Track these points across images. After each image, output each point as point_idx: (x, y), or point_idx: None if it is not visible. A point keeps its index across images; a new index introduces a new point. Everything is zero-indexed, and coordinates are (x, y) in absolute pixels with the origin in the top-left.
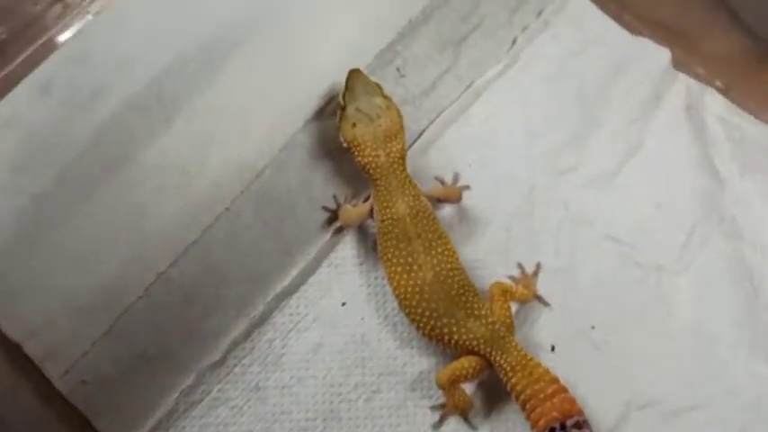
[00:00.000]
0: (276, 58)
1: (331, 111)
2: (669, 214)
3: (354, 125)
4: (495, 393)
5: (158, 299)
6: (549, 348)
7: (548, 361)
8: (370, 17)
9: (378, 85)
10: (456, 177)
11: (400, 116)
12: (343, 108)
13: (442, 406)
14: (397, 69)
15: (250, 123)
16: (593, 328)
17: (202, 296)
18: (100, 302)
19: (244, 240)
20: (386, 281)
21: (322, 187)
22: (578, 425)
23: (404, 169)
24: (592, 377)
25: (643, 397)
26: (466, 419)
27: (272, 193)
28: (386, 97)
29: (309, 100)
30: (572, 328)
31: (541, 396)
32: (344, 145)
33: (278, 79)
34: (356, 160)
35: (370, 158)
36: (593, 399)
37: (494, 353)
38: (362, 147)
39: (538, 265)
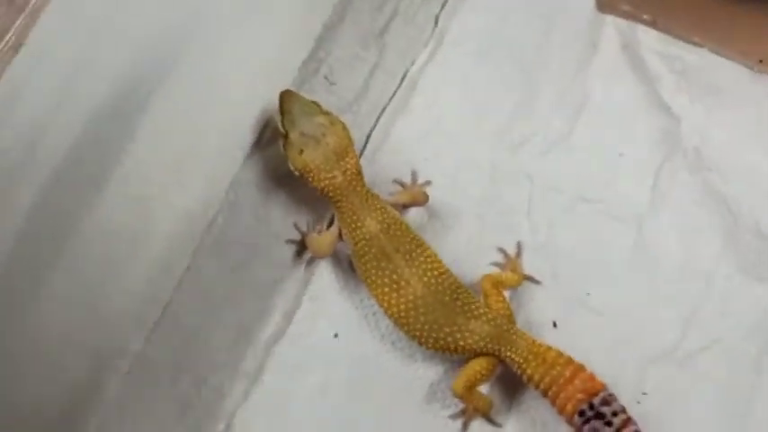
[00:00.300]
0: (197, 97)
1: (268, 139)
2: (632, 161)
3: (302, 151)
4: (510, 385)
5: (140, 384)
6: (552, 325)
7: (552, 339)
8: (281, 31)
9: (314, 103)
10: (415, 176)
11: (346, 129)
12: (286, 135)
13: (463, 412)
14: (326, 78)
15: (187, 172)
16: (588, 294)
17: (188, 366)
18: (69, 406)
19: (215, 296)
20: (373, 301)
21: (281, 220)
22: (606, 401)
23: (363, 184)
24: (600, 344)
25: (654, 350)
26: (489, 419)
27: (230, 238)
28: (326, 113)
29: (243, 133)
30: (568, 300)
31: (561, 381)
32: (296, 173)
33: (204, 118)
34: (312, 186)
35: (327, 181)
36: (607, 366)
37: (502, 348)
38: (316, 171)
39: (518, 245)
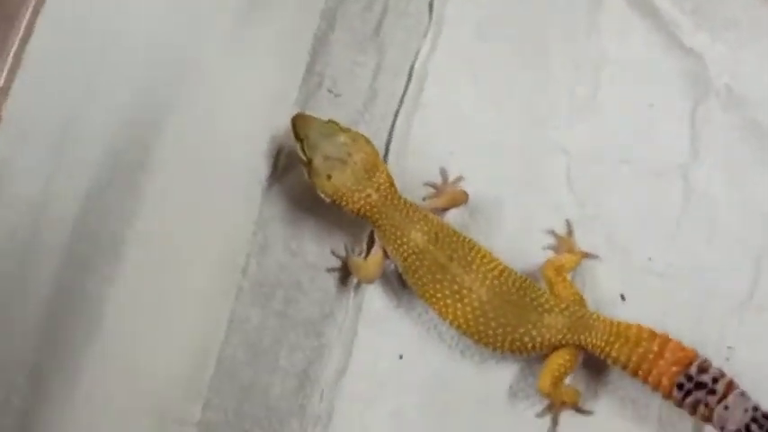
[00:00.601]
0: (200, 143)
1: (283, 167)
2: (664, 111)
3: (330, 176)
4: (591, 367)
5: None
6: (620, 299)
7: (623, 313)
8: (273, 53)
9: (332, 122)
10: (445, 174)
11: (370, 142)
12: (309, 162)
13: (550, 407)
14: (330, 91)
15: (207, 222)
16: (650, 259)
17: (253, 422)
18: None
19: (266, 344)
20: (432, 314)
21: (317, 250)
22: (702, 368)
23: (399, 196)
24: (672, 307)
25: (730, 301)
26: (578, 410)
27: (268, 281)
28: (346, 130)
29: (257, 168)
30: (630, 269)
31: (651, 357)
32: (327, 200)
33: (212, 162)
34: (347, 209)
35: (363, 202)
36: (686, 329)
37: (581, 336)
38: (349, 194)
39: (568, 223)
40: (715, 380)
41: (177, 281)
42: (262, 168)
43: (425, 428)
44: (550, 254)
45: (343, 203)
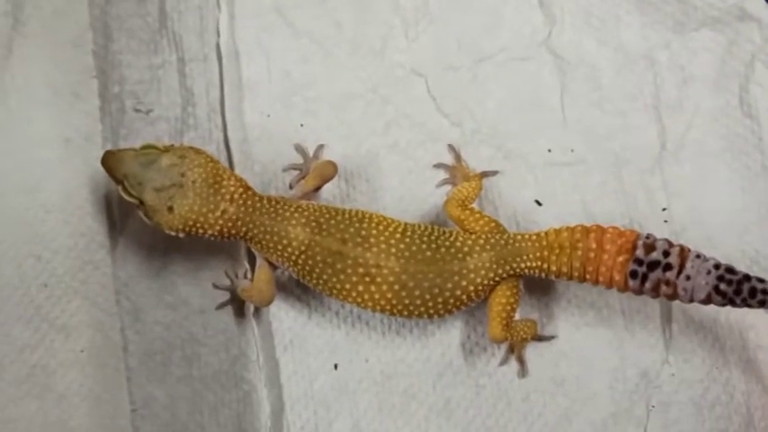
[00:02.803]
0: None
1: (120, 217)
2: None
3: (171, 208)
4: (538, 291)
5: None
6: (537, 205)
7: (546, 218)
8: (42, 93)
9: (148, 146)
10: (303, 150)
11: (200, 151)
12: (141, 202)
13: (511, 350)
14: (137, 110)
15: (51, 308)
16: (549, 151)
17: None
18: None
19: (184, 418)
20: (346, 306)
21: (196, 293)
22: (649, 246)
23: (261, 196)
24: (594, 191)
25: (648, 157)
26: (540, 339)
27: (156, 348)
28: (167, 149)
29: (89, 228)
30: (535, 170)
31: (592, 255)
32: (181, 236)
33: (31, 245)
34: (208, 236)
35: (221, 221)
36: (618, 207)
37: (512, 265)
38: (202, 219)
39: (453, 148)
40: (666, 253)
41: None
42: (96, 230)
43: (392, 428)
44: (449, 189)
45: (201, 231)
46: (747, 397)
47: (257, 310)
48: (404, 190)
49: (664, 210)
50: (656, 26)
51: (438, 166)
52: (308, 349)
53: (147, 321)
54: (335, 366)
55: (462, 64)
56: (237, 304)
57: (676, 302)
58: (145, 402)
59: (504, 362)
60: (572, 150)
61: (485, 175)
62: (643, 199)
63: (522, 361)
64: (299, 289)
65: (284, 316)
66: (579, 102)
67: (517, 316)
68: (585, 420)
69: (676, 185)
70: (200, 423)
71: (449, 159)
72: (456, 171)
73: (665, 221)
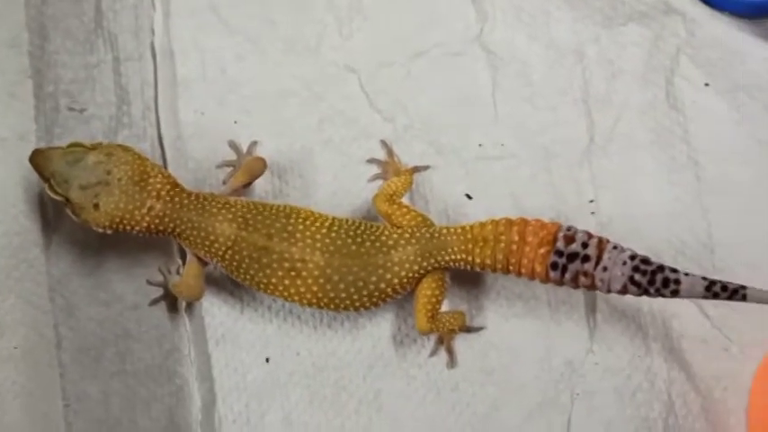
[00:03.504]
0: None
1: (53, 217)
2: None
3: (97, 205)
4: (467, 283)
5: None
6: (467, 199)
7: (476, 211)
8: None
9: (75, 145)
10: (236, 146)
11: (128, 149)
12: (67, 200)
13: (440, 341)
14: (71, 109)
15: None
16: (480, 146)
17: None
18: None
19: (117, 413)
20: (278, 301)
21: (130, 290)
22: (568, 238)
23: (189, 193)
24: (524, 184)
25: (576, 150)
26: (468, 330)
27: (89, 344)
28: (94, 147)
29: (22, 226)
30: (466, 164)
31: (515, 248)
32: (109, 232)
33: None
34: (135, 232)
35: (148, 218)
36: (547, 200)
37: (437, 257)
38: (128, 215)
39: (384, 144)
40: (585, 245)
41: None
42: (30, 229)
43: (323, 420)
44: (381, 184)
45: (128, 228)
46: (669, 385)
47: (190, 306)
48: (337, 185)
49: (591, 202)
50: (585, 21)
51: (370, 161)
52: (241, 343)
53: (81, 318)
54: (267, 360)
55: (396, 60)
56: (171, 300)
57: (601, 293)
58: (78, 398)
59: (433, 353)
60: (503, 145)
61: (416, 169)
62: (571, 192)
63: (451, 352)
64: (232, 284)
65: (217, 311)
66: (511, 97)
67: (446, 307)
68: (513, 409)
69: (604, 178)
70: (133, 418)
71: (381, 155)
72: (388, 166)
73: (593, 213)
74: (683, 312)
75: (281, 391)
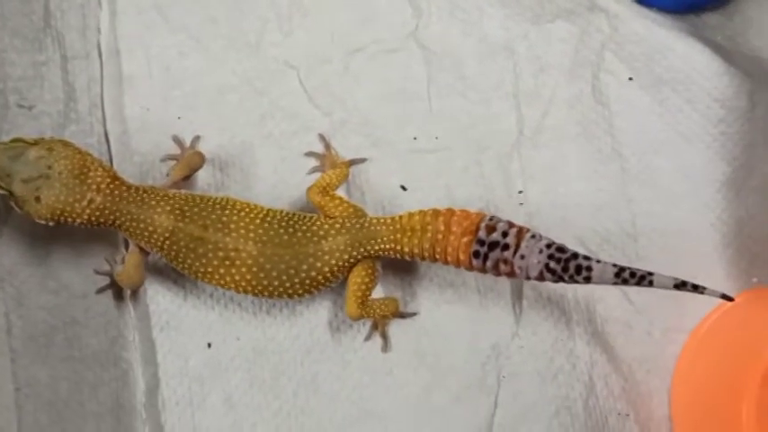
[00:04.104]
0: None
1: (2, 209)
2: None
3: (38, 198)
4: (401, 271)
5: None
6: (402, 190)
7: (411, 202)
8: None
9: (17, 140)
10: (179, 141)
11: (69, 144)
12: (11, 193)
13: (375, 327)
14: (20, 105)
15: None
16: (415, 139)
17: None
18: None
19: (65, 396)
20: (219, 289)
21: (78, 279)
22: (490, 228)
23: (129, 186)
24: (456, 175)
25: (506, 142)
26: (401, 315)
27: (39, 331)
28: (36, 142)
29: None
30: (401, 157)
31: (440, 237)
32: (51, 224)
33: None
34: (78, 224)
35: (89, 210)
36: (477, 190)
37: (369, 246)
38: (69, 208)
39: (322, 138)
40: (505, 234)
41: None
42: None
43: (263, 402)
44: (317, 177)
45: (69, 220)
46: (591, 367)
47: (135, 294)
48: (277, 178)
49: (520, 192)
50: (515, 18)
51: (309, 154)
52: (184, 329)
53: (31, 306)
54: (209, 345)
55: (334, 56)
56: (117, 288)
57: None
58: (28, 382)
59: (368, 338)
60: (437, 138)
61: (353, 162)
62: (501, 183)
63: (385, 337)
64: (175, 273)
65: (161, 298)
66: (444, 91)
67: (381, 294)
68: (445, 391)
69: (533, 169)
70: (81, 401)
71: (319, 148)
72: (325, 159)
73: (521, 204)
74: (608, 298)
75: (222, 375)
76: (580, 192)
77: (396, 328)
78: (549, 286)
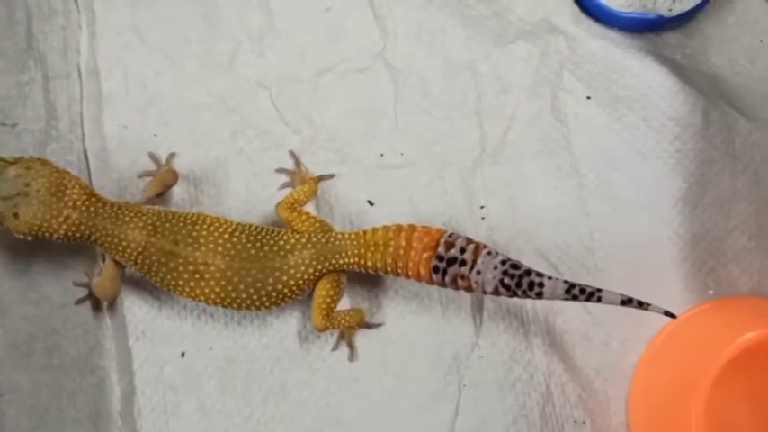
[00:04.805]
0: None
1: None
2: (342, 10)
3: (16, 215)
4: (367, 284)
5: None
6: (369, 205)
7: (377, 217)
8: None
9: None
10: (155, 158)
11: (48, 163)
12: None
13: (342, 337)
14: (3, 124)
15: None
16: (382, 155)
17: None
18: None
19: (45, 402)
20: (196, 303)
21: (58, 290)
22: (449, 244)
23: (104, 203)
24: (421, 191)
25: (468, 159)
26: (367, 326)
27: (20, 340)
28: (15, 161)
29: None
30: (368, 173)
31: (402, 252)
32: (30, 239)
33: None
34: (55, 238)
35: (65, 226)
36: (441, 205)
37: (333, 261)
38: (46, 224)
39: (293, 154)
40: (463, 250)
41: None
42: None
43: (234, 409)
44: (287, 192)
45: (47, 235)
46: (548, 376)
47: (112, 305)
48: (248, 193)
49: (482, 207)
50: (478, 39)
51: (279, 170)
52: (159, 339)
53: (13, 316)
54: (183, 354)
55: (304, 76)
56: (95, 299)
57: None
58: (10, 388)
59: (335, 347)
60: (402, 154)
61: (321, 178)
62: (464, 198)
63: (351, 346)
64: (151, 285)
65: (137, 309)
66: (410, 109)
67: (348, 305)
68: (409, 399)
69: (494, 185)
70: (60, 407)
71: (290, 164)
72: (295, 175)
73: (483, 218)
74: (567, 310)
75: (195, 383)
76: (540, 206)
77: (362, 337)
78: (509, 299)
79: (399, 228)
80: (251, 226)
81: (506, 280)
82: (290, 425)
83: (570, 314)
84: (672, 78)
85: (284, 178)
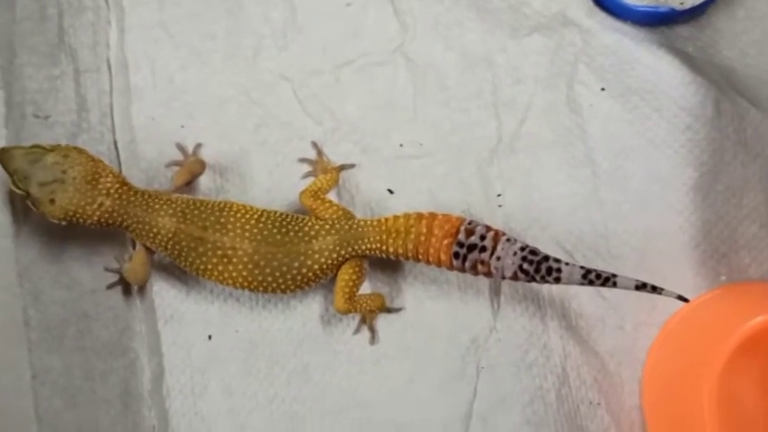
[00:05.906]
0: None
1: (22, 209)
2: (364, 4)
3: (53, 200)
4: (387, 269)
5: None
6: (389, 194)
7: (397, 205)
8: None
9: (36, 146)
10: (182, 148)
11: (83, 152)
12: (28, 194)
13: (363, 320)
14: (36, 116)
15: None
16: (401, 146)
17: None
18: None
19: (78, 383)
20: (222, 287)
21: (90, 276)
22: (469, 231)
23: (136, 191)
24: (439, 181)
25: (485, 149)
26: (388, 310)
27: (54, 323)
28: (53, 149)
29: None
30: (388, 162)
31: (423, 239)
32: (64, 224)
33: None
34: (88, 224)
35: (99, 213)
36: (459, 194)
37: (355, 247)
38: (81, 210)
39: (314, 145)
40: (482, 237)
41: None
42: (1, 221)
43: (259, 390)
44: (311, 180)
45: (81, 221)
46: (564, 359)
47: (141, 289)
48: (272, 182)
49: (499, 196)
50: (494, 32)
51: (302, 160)
52: (186, 322)
53: (46, 301)
54: (210, 337)
55: (326, 69)
56: (125, 284)
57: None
58: (44, 370)
59: (357, 331)
60: (421, 144)
61: (343, 167)
62: (480, 187)
63: (372, 330)
64: (179, 270)
65: (165, 294)
66: (428, 101)
67: (369, 290)
68: (428, 381)
69: (510, 174)
70: (92, 388)
71: (312, 154)
72: (317, 165)
73: (500, 206)
74: (582, 295)
75: (221, 365)
76: (555, 195)
77: (383, 321)
78: (526, 285)
79: (420, 215)
80: (276, 212)
81: (525, 266)
82: (313, 405)
83: (585, 299)
84: (684, 70)
85: (306, 168)
